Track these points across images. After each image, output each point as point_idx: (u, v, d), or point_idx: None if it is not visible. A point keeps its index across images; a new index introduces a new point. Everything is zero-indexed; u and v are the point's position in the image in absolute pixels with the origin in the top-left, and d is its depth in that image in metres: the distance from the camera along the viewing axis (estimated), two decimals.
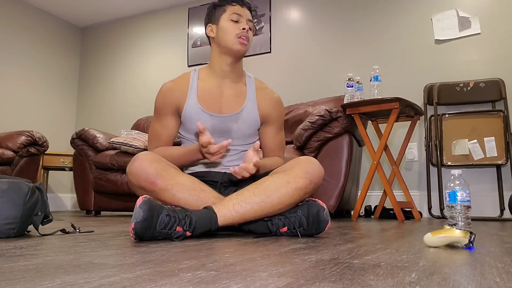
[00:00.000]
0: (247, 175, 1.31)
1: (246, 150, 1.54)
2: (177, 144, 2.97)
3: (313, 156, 2.53)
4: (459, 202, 1.15)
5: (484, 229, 1.74)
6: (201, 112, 1.47)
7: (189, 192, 1.27)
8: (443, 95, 2.93)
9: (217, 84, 1.51)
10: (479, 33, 2.99)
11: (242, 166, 1.30)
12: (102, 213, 3.45)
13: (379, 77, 2.56)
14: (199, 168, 1.52)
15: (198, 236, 1.20)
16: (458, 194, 1.15)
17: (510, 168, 2.69)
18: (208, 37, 1.55)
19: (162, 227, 1.10)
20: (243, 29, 1.45)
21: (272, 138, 1.58)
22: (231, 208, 1.20)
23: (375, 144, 2.79)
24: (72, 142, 3.18)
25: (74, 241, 1.12)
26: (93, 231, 1.49)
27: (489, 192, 2.82)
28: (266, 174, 1.37)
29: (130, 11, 4.52)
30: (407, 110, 2.58)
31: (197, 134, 1.46)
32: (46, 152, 3.57)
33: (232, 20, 1.47)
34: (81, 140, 3.15)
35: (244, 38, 1.45)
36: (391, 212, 2.69)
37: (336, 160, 2.50)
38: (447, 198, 1.17)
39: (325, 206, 1.30)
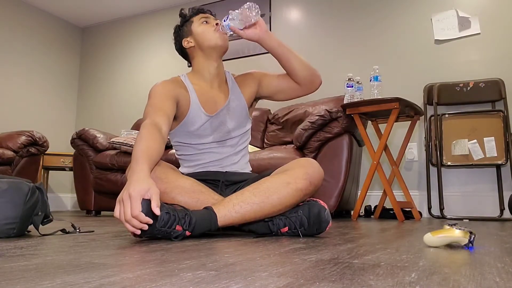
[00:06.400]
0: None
1: (242, 138, 1.58)
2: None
3: (313, 156, 2.53)
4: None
5: (484, 229, 1.74)
6: (203, 115, 1.49)
7: (189, 195, 1.28)
8: (443, 95, 2.93)
9: (208, 87, 1.55)
10: (479, 33, 2.99)
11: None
12: (102, 213, 3.45)
13: (379, 77, 2.56)
14: (200, 168, 1.52)
15: (198, 236, 1.20)
16: None
17: (510, 168, 2.69)
18: (184, 53, 1.61)
19: (162, 225, 1.10)
20: (216, 24, 1.52)
21: (276, 79, 1.60)
22: (231, 208, 1.20)
23: (375, 144, 2.78)
24: (72, 142, 3.18)
25: (74, 241, 1.12)
26: (93, 231, 1.49)
27: (489, 192, 2.82)
28: (267, 174, 1.37)
29: (130, 11, 4.52)
30: (407, 110, 2.58)
31: (195, 135, 1.49)
32: (46, 152, 3.57)
33: (203, 23, 1.55)
34: (81, 140, 3.15)
35: (221, 29, 1.50)
36: (391, 212, 2.69)
37: (336, 160, 2.50)
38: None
39: (326, 206, 1.30)
